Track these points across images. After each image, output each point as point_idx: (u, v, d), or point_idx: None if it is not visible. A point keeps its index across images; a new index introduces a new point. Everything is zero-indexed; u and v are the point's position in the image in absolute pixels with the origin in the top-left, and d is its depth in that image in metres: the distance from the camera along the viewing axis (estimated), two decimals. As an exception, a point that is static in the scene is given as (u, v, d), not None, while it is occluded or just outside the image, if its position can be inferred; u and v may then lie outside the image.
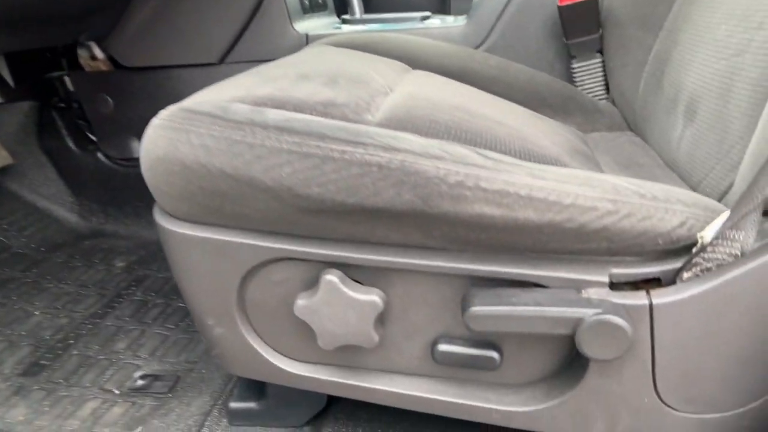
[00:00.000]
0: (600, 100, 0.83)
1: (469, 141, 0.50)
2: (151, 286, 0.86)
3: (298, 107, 0.47)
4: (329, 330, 0.44)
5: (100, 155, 1.00)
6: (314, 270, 0.44)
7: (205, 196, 0.42)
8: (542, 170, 0.40)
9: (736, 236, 0.37)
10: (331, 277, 0.42)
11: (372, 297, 0.43)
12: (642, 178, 0.59)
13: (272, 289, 0.46)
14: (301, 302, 0.44)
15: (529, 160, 0.49)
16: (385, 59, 0.76)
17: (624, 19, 0.76)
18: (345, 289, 0.42)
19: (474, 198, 0.37)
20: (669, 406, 0.41)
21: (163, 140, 0.42)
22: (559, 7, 0.80)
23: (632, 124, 0.77)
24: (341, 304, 0.43)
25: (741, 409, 0.41)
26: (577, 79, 0.84)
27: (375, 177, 0.38)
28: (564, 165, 0.53)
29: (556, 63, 0.86)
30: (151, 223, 1.08)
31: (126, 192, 1.02)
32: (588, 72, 0.84)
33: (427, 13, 0.95)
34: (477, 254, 0.41)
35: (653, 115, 0.70)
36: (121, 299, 0.81)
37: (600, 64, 0.83)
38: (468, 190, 0.37)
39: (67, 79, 0.95)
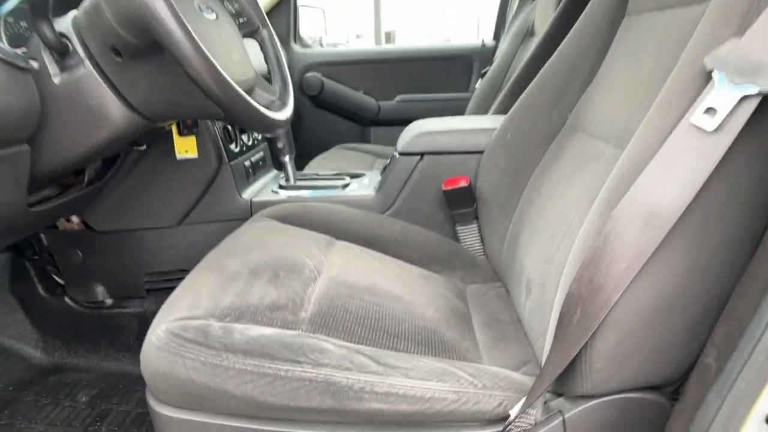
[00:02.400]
0: (478, 255, 1.10)
1: (372, 326, 0.73)
2: (113, 420, 1.00)
3: (253, 316, 0.69)
4: None
5: (66, 299, 1.15)
6: None
7: (192, 396, 0.62)
8: (414, 368, 0.64)
9: (531, 412, 0.62)
10: None
11: None
12: (500, 335, 0.85)
13: None
14: None
15: (416, 337, 0.73)
16: (313, 235, 0.99)
17: (489, 201, 1.05)
18: None
19: (370, 398, 0.60)
20: None
21: (163, 361, 0.61)
22: (444, 191, 1.08)
23: (500, 277, 1.04)
24: None
25: None
26: (461, 238, 1.12)
27: (308, 388, 0.59)
28: (442, 339, 0.76)
29: (445, 224, 1.13)
30: (109, 356, 1.23)
31: (87, 329, 1.17)
32: (469, 233, 1.11)
33: (348, 181, 1.20)
34: (379, 428, 0.63)
35: (511, 278, 0.96)
36: None
37: (477, 229, 1.11)
38: (366, 393, 0.60)
39: (42, 235, 1.11)
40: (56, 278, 1.15)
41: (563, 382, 0.60)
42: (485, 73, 1.81)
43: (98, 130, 0.71)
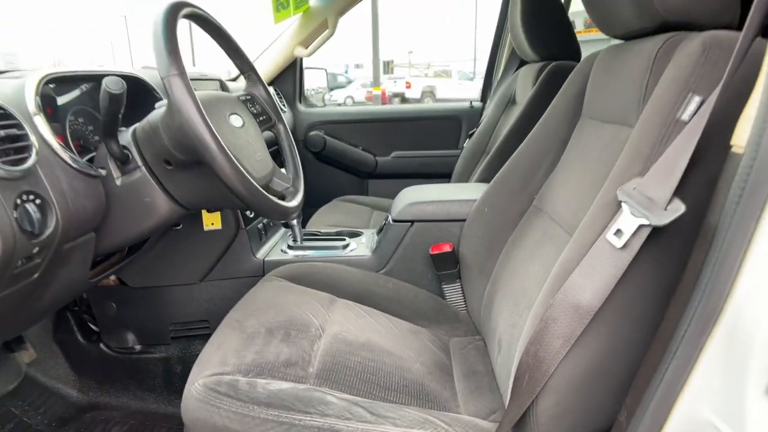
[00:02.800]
0: (461, 310, 1.27)
1: (367, 380, 0.89)
2: None
3: (272, 372, 0.85)
4: None
5: (101, 345, 1.31)
6: None
7: (223, 440, 0.78)
8: (401, 418, 0.79)
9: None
10: None
11: None
12: (475, 385, 1.01)
13: None
14: None
15: (404, 389, 0.89)
16: (317, 294, 1.16)
17: (470, 265, 1.22)
18: None
19: (364, 444, 0.76)
20: None
21: (201, 410, 0.77)
22: (431, 255, 1.25)
23: (480, 331, 1.20)
24: None
25: None
26: (446, 295, 1.28)
27: (316, 434, 0.75)
28: (425, 390, 0.92)
29: (432, 282, 1.30)
30: (137, 396, 1.39)
31: (118, 372, 1.32)
32: (453, 291, 1.28)
33: (347, 242, 1.38)
34: None
35: (488, 333, 1.13)
36: None
37: (460, 287, 1.27)
38: (361, 439, 0.76)
39: (81, 290, 1.28)
40: (92, 327, 1.31)
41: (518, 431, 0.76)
42: (473, 133, 2.01)
43: (149, 219, 0.89)
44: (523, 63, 1.93)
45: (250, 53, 2.07)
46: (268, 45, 2.06)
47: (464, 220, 1.26)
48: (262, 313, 1.04)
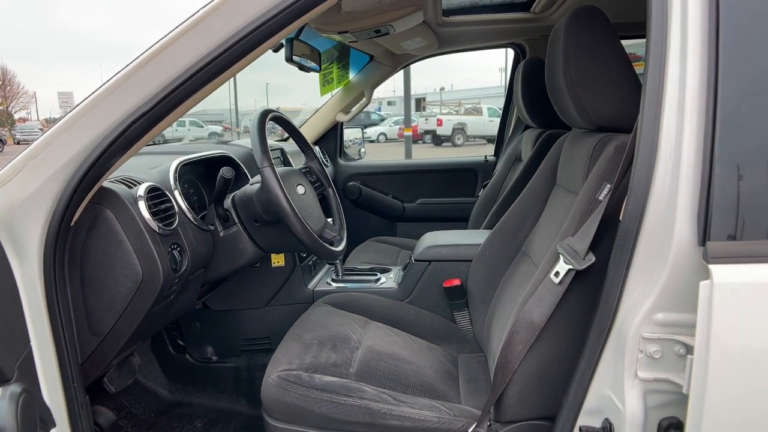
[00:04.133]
0: (469, 333, 1.59)
1: (392, 379, 1.23)
2: None
3: (324, 370, 1.20)
4: None
5: (186, 355, 1.69)
6: None
7: (293, 415, 1.12)
8: (416, 404, 1.13)
9: (479, 430, 1.09)
10: None
11: None
12: (474, 388, 1.33)
13: None
14: None
15: (419, 387, 1.22)
16: (356, 317, 1.51)
17: (475, 296, 1.55)
18: None
19: (390, 418, 1.09)
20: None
21: (276, 393, 1.13)
22: (444, 288, 1.59)
23: (482, 349, 1.52)
24: None
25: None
26: (457, 320, 1.61)
27: (356, 411, 1.09)
28: (435, 389, 1.25)
29: (446, 309, 1.63)
30: (213, 397, 1.77)
31: (199, 377, 1.69)
32: (462, 317, 1.61)
33: (378, 276, 1.73)
34: None
35: (488, 351, 1.45)
36: None
37: (468, 314, 1.60)
38: (387, 415, 1.09)
39: (172, 313, 1.67)
40: (180, 342, 1.70)
41: (497, 413, 1.08)
42: (486, 184, 2.36)
43: (240, 260, 1.27)
44: (527, 126, 2.28)
45: (274, 99, 2.50)
46: (314, 112, 2.49)
47: (471, 260, 1.60)
48: (315, 330, 1.40)
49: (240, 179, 1.27)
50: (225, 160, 1.48)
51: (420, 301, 1.65)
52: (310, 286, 1.70)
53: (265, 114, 1.19)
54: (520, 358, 1.01)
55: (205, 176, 1.43)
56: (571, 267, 0.96)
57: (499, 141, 2.70)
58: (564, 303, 0.98)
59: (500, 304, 1.42)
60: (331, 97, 2.42)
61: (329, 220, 1.48)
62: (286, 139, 1.49)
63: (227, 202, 1.26)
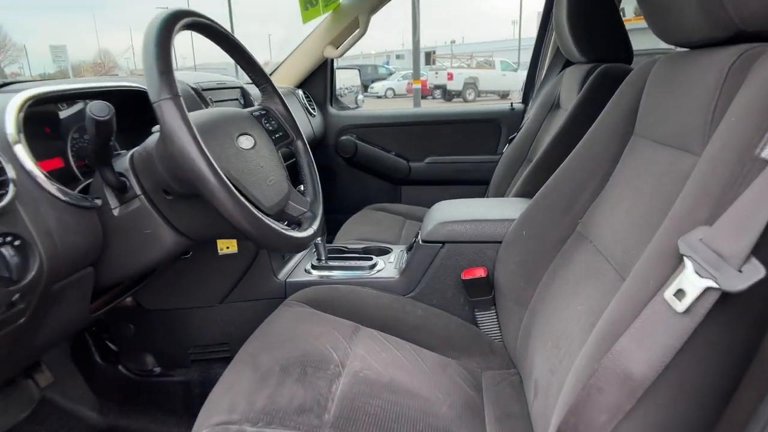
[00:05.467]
0: (496, 340, 1.17)
1: (389, 428, 0.81)
2: None
3: (282, 421, 0.78)
4: None
5: (120, 367, 1.28)
6: None
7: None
8: None
9: None
10: None
11: None
12: (509, 430, 0.91)
13: None
14: None
15: None
16: (340, 323, 1.08)
17: (506, 292, 1.11)
18: None
19: None
20: None
21: None
22: (462, 280, 1.15)
23: (515, 364, 1.10)
24: None
25: None
26: (479, 323, 1.18)
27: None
28: None
29: (465, 306, 1.20)
30: (157, 420, 1.35)
31: (138, 395, 1.29)
32: (487, 319, 1.18)
33: (374, 261, 1.29)
34: None
35: (523, 368, 1.02)
36: None
37: (495, 315, 1.17)
38: None
39: (99, 311, 1.25)
40: (111, 345, 1.29)
41: None
42: (513, 138, 1.88)
43: (151, 252, 0.83)
44: (568, 63, 1.79)
45: (279, 55, 2.01)
46: (296, 46, 1.99)
47: (500, 242, 1.15)
48: (278, 347, 0.97)
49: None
50: (134, 98, 1.02)
51: (429, 297, 1.22)
52: (281, 276, 1.27)
53: (174, 17, 0.72)
54: (605, 432, 0.58)
55: (130, 127, 0.97)
56: (712, 285, 0.51)
57: (529, 84, 2.19)
58: (692, 347, 0.54)
59: (546, 308, 0.98)
60: (317, 27, 1.92)
61: (301, 187, 1.03)
62: (262, 87, 1.00)
63: (123, 163, 0.80)
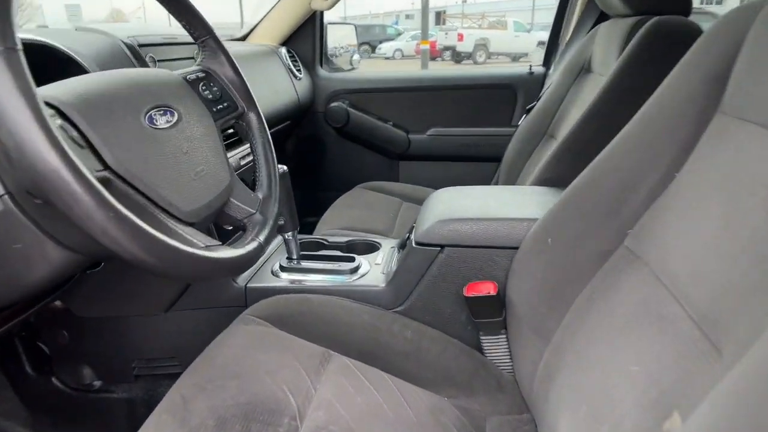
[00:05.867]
0: (506, 372, 0.92)
1: None
2: None
3: None
4: None
5: (54, 379, 1.07)
6: None
7: None
8: None
9: None
10: None
11: None
12: None
13: None
14: None
15: None
16: (307, 347, 0.84)
17: (521, 317, 0.86)
18: None
19: None
20: None
21: None
22: (465, 297, 0.89)
23: (530, 408, 0.86)
24: None
25: None
26: (485, 349, 0.93)
27: None
28: None
29: (467, 326, 0.95)
30: None
31: (75, 411, 1.09)
32: (495, 345, 0.93)
33: (357, 263, 1.04)
34: None
35: (543, 418, 0.78)
36: None
37: (505, 339, 0.92)
38: None
39: (29, 312, 1.01)
40: (44, 348, 1.06)
41: None
42: (531, 108, 1.59)
43: (34, 269, 0.58)
44: (603, 17, 1.48)
45: (259, 8, 1.71)
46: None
47: (516, 249, 0.89)
48: (219, 388, 0.73)
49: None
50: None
51: (423, 314, 0.97)
52: (241, 280, 1.02)
53: None
54: None
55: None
56: None
57: (552, 43, 1.87)
58: None
59: (577, 349, 0.73)
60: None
61: (260, 181, 0.77)
62: (201, 41, 0.72)
63: None
